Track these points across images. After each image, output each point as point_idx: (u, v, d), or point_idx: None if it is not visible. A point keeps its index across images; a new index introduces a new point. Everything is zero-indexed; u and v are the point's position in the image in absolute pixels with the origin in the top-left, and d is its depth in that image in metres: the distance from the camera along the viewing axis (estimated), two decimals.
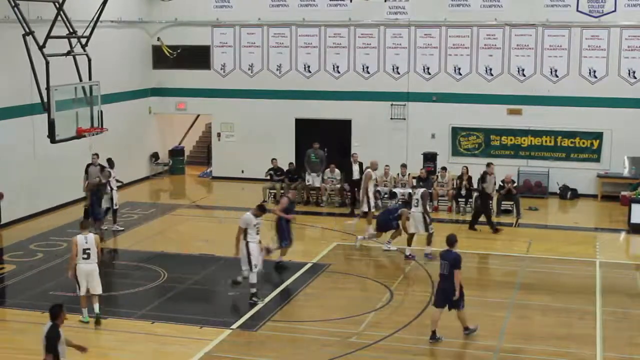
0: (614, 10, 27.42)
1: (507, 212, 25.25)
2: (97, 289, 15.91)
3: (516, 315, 16.72)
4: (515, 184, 26.16)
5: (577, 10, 27.71)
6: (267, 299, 17.26)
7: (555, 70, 28.04)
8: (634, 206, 23.47)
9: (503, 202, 25.38)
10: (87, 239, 15.80)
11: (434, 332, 15.07)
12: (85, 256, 15.71)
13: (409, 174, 26.31)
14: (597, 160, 27.70)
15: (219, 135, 31.13)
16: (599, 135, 27.67)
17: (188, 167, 32.82)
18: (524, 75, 28.29)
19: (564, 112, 27.79)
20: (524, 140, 28.27)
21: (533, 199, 27.10)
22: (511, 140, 28.37)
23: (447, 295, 14.99)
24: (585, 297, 17.70)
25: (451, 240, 15.18)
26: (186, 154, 33.42)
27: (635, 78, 27.50)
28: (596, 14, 27.56)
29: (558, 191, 27.77)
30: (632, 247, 22.85)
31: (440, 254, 15.41)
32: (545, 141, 28.10)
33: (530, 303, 17.41)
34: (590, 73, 27.78)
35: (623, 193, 25.86)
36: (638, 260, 21.27)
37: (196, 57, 30.92)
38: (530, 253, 21.22)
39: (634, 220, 23.37)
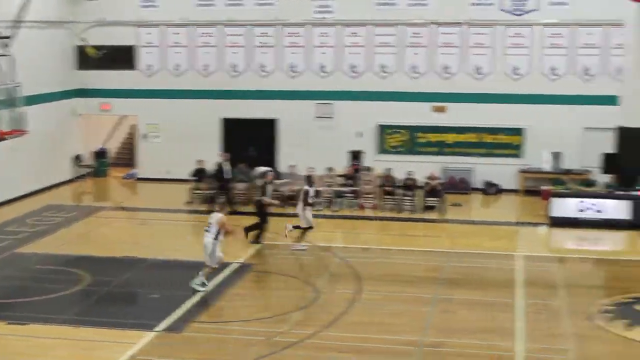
0: (537, 9, 27.98)
1: (432, 208, 25.56)
2: None
3: (440, 309, 16.94)
4: (440, 181, 26.51)
5: (501, 9, 28.21)
6: (192, 300, 17.20)
7: (480, 68, 28.48)
8: (554, 200, 23.99)
9: (428, 199, 25.70)
10: None
11: None
12: None
13: (336, 173, 26.55)
14: (519, 155, 28.26)
15: (144, 136, 30.85)
16: (520, 131, 28.21)
17: (113, 169, 32.41)
18: (449, 73, 28.67)
19: (488, 109, 28.26)
20: (449, 137, 28.70)
21: (457, 195, 27.47)
22: (436, 137, 28.77)
23: None
24: (507, 290, 18.03)
25: None
26: (111, 155, 33.01)
27: (556, 75, 28.09)
28: (519, 12, 28.07)
29: (481, 187, 28.25)
30: (552, 241, 23.34)
31: None
32: (469, 138, 28.59)
33: (454, 297, 17.64)
34: (513, 70, 28.29)
35: (543, 187, 26.38)
36: (558, 253, 21.71)
37: (121, 57, 30.60)
38: (454, 248, 21.52)
39: (553, 214, 23.90)
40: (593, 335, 15.58)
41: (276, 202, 22.97)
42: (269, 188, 22.32)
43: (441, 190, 25.89)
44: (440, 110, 28.71)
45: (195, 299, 17.35)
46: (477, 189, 28.34)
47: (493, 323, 16.16)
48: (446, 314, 16.74)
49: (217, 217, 17.94)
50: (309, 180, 21.90)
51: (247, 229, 21.88)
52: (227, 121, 29.97)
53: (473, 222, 24.66)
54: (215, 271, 18.27)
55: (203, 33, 30.19)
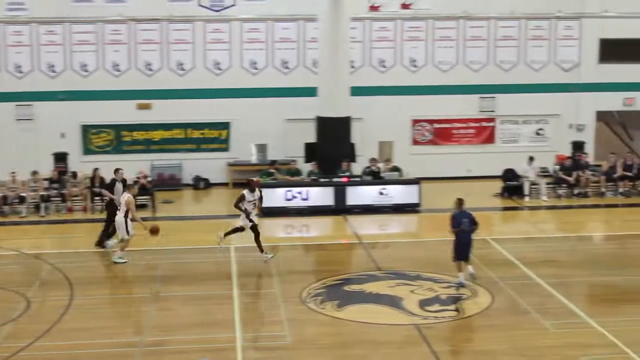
0: (235, 4, 28.53)
1: (143, 206, 25.33)
2: None
3: (158, 307, 16.88)
4: (149, 178, 26.34)
5: (199, 5, 28.46)
6: None
7: (182, 64, 28.57)
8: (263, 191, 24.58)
9: (138, 197, 25.37)
10: None
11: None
12: None
13: (41, 177, 25.57)
14: (226, 149, 28.76)
15: None
16: (226, 125, 28.72)
17: None
18: (152, 70, 28.52)
19: (193, 105, 28.46)
20: (155, 135, 28.59)
21: (168, 191, 27.45)
22: (142, 135, 28.54)
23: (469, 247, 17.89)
24: (224, 283, 18.32)
25: (462, 202, 18.04)
26: None
27: (257, 69, 28.86)
28: (217, 7, 28.48)
29: (191, 182, 28.43)
30: (263, 231, 23.92)
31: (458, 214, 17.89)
32: (176, 134, 28.66)
33: (172, 294, 17.64)
34: (214, 65, 28.68)
35: (251, 179, 26.93)
36: (269, 242, 22.22)
37: None
38: (169, 245, 21.49)
39: (263, 204, 24.49)
40: (307, 318, 16.24)
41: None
42: (119, 186, 21.59)
43: (151, 187, 25.73)
44: (145, 107, 28.49)
45: None
46: (187, 185, 28.48)
47: (212, 316, 16.35)
48: (165, 311, 16.70)
49: (125, 197, 19.95)
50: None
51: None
52: None
53: (185, 218, 24.76)
54: None
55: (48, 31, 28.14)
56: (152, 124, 28.52)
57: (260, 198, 20.42)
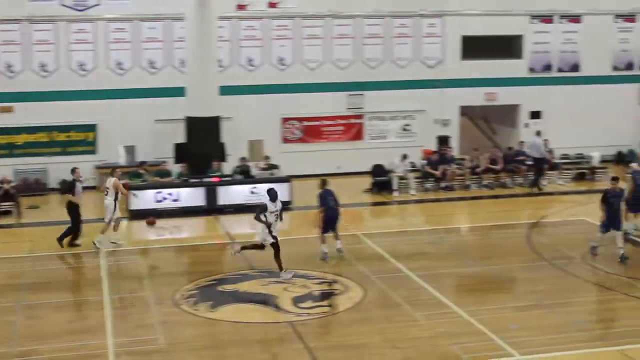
0: (99, 4, 27.97)
1: (8, 213, 24.56)
2: None
3: (25, 316, 16.40)
4: (13, 183, 25.55)
5: (62, 4, 27.77)
6: None
7: (45, 65, 27.83)
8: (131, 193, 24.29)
9: (2, 204, 24.66)
10: None
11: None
12: None
13: None
14: (94, 152, 28.19)
15: None
16: (93, 127, 28.15)
17: None
18: (13, 72, 27.67)
19: (57, 107, 27.79)
20: (19, 138, 27.75)
21: (34, 196, 26.69)
22: (4, 139, 27.65)
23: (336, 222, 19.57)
24: (95, 288, 17.95)
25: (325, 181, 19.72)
26: None
27: (123, 69, 28.40)
28: (81, 7, 27.86)
29: (58, 186, 27.69)
30: (134, 234, 23.61)
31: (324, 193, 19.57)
32: (41, 137, 27.90)
33: (41, 302, 17.15)
34: (79, 66, 28.06)
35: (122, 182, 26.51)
36: (140, 245, 22.04)
37: None
38: (36, 252, 20.90)
39: (133, 207, 24.22)
40: (180, 320, 16.12)
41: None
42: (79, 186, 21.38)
43: (15, 193, 24.95)
44: (6, 110, 27.60)
45: None
46: (54, 189, 27.73)
47: (83, 323, 16.06)
48: (33, 320, 16.24)
49: (112, 181, 21.01)
50: None
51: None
52: None
53: (52, 223, 24.09)
54: None
55: None
56: (15, 128, 27.67)
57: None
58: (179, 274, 19.46)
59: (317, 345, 14.84)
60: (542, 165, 28.21)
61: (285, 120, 29.86)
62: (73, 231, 21.23)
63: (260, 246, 18.35)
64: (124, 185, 21.98)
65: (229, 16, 28.61)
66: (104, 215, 21.47)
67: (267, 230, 18.02)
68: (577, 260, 19.92)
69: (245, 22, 29.37)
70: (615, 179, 20.17)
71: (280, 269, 18.35)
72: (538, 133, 28.68)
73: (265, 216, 17.97)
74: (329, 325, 16.02)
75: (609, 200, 19.68)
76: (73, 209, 21.29)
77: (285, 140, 29.92)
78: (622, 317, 16.34)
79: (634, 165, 24.45)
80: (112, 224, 21.24)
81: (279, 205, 18.26)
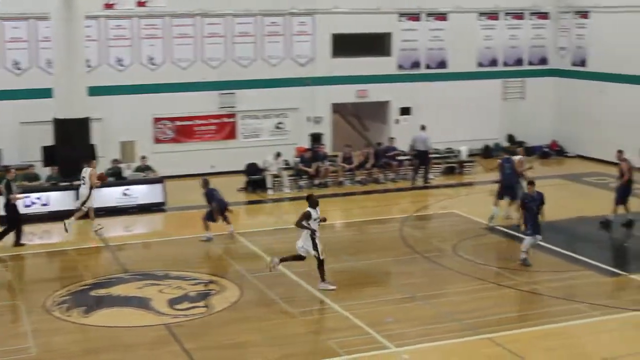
0: None
1: None
2: None
3: None
4: None
5: None
6: None
7: None
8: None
9: None
10: None
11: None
12: None
13: None
14: None
15: None
16: None
17: None
18: None
19: None
20: None
21: None
22: None
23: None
24: None
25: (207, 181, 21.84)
26: None
27: None
28: None
29: None
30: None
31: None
32: None
33: None
34: None
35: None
36: (6, 253, 21.27)
37: None
38: None
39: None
40: (52, 327, 15.75)
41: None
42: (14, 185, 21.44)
43: None
44: None
45: None
46: None
47: None
48: None
49: (88, 171, 22.42)
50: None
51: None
52: None
53: None
54: None
55: None
56: None
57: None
58: (50, 280, 18.95)
59: (194, 347, 14.77)
60: (427, 158, 28.83)
61: (157, 120, 29.46)
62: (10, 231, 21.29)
63: (300, 257, 17.87)
64: (99, 177, 23.03)
65: (97, 15, 27.97)
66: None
67: (310, 239, 17.56)
68: (448, 253, 20.48)
69: (114, 22, 28.80)
70: (531, 183, 19.60)
71: (323, 279, 17.77)
72: (423, 127, 29.23)
73: (309, 223, 17.57)
74: (206, 325, 15.93)
75: (527, 205, 19.25)
76: (13, 209, 21.44)
77: (158, 141, 29.50)
78: (491, 306, 16.88)
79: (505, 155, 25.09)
80: (84, 210, 22.50)
81: (319, 211, 17.87)
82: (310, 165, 28.16)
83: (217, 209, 21.56)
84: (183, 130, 29.76)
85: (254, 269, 19.07)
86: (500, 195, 23.05)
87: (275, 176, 27.64)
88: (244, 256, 20.35)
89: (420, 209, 25.41)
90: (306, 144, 30.12)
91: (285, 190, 27.54)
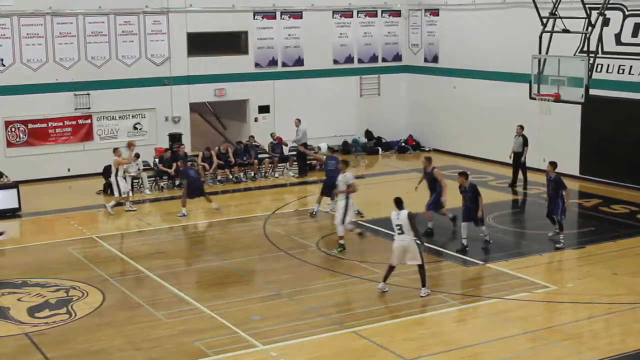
0: None
1: None
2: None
3: None
4: None
5: None
6: None
7: None
8: None
9: None
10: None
11: None
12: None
13: None
14: None
15: None
16: None
17: None
18: None
19: None
20: None
21: None
22: None
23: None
24: None
25: None
26: None
27: None
28: None
29: None
30: None
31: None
32: None
33: None
34: None
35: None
36: None
37: None
38: None
39: None
40: None
41: None
42: None
43: None
44: None
45: None
46: None
47: None
48: None
49: (112, 159, 24.57)
50: None
51: None
52: None
53: None
54: None
55: None
56: None
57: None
58: None
59: (57, 355, 14.41)
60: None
61: (9, 123, 28.44)
62: None
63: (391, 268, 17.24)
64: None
65: None
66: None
67: (416, 242, 16.95)
68: (312, 248, 20.69)
69: None
70: (462, 174, 20.06)
71: (385, 280, 17.31)
72: (299, 121, 29.69)
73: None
74: (68, 332, 15.52)
75: (463, 196, 20.19)
76: None
77: (10, 145, 28.49)
78: (356, 300, 17.18)
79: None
80: (124, 195, 24.62)
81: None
82: (170, 165, 27.84)
83: (186, 186, 23.95)
84: (37, 133, 28.84)
85: (116, 273, 18.74)
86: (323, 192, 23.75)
87: (135, 178, 27.17)
88: (105, 260, 19.94)
89: (282, 206, 25.55)
90: (165, 144, 29.74)
91: (146, 192, 27.14)
